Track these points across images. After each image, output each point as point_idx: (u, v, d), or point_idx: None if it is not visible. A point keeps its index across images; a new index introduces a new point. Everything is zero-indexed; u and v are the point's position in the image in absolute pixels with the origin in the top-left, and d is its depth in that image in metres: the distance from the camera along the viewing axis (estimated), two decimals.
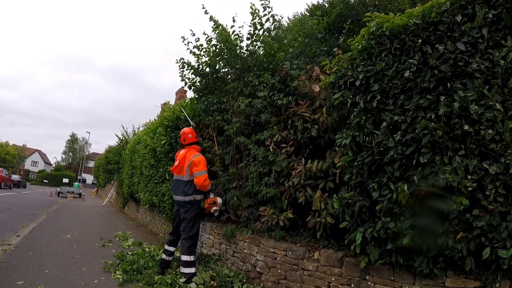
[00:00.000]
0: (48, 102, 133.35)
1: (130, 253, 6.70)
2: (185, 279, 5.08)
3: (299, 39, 5.95)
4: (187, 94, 22.65)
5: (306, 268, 4.51)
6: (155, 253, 6.86)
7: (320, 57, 5.79)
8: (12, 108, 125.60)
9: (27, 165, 79.92)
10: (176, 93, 24.80)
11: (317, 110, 4.66)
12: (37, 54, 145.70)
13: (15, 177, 40.03)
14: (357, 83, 4.02)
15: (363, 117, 3.89)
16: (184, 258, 5.23)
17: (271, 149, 5.02)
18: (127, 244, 8.08)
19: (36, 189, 43.85)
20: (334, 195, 4.13)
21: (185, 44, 6.92)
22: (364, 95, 3.96)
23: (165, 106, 23.52)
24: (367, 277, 3.89)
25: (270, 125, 5.29)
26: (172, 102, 23.88)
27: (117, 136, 23.67)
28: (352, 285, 4.01)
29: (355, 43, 4.21)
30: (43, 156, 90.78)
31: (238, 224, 6.13)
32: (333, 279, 4.19)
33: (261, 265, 5.24)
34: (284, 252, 4.87)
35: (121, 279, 5.28)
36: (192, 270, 5.21)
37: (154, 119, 15.76)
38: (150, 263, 6.07)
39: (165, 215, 9.36)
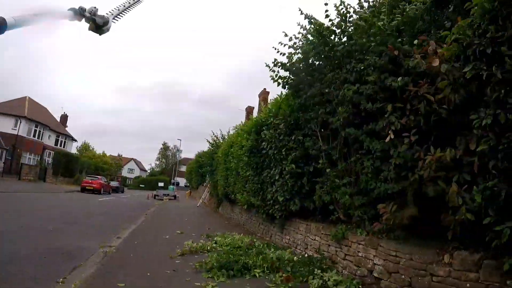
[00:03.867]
0: (148, 124, 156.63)
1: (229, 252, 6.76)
2: None
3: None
4: (270, 94, 23.49)
5: (436, 274, 4.06)
6: (264, 251, 7.10)
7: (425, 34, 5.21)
8: (115, 131, 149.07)
9: (124, 172, 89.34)
10: (259, 96, 25.55)
11: (440, 89, 4.15)
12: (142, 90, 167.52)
13: (114, 183, 44.54)
14: (489, 51, 3.61)
15: (503, 91, 3.45)
16: None
17: (389, 139, 4.60)
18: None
19: (134, 193, 47.96)
20: (474, 187, 3.61)
21: (276, 49, 7.28)
22: (500, 64, 3.51)
23: (249, 109, 26.57)
24: (508, 282, 3.40)
25: (386, 113, 4.84)
26: (256, 105, 25.63)
27: (208, 141, 25.50)
28: None
29: (474, 6, 3.76)
30: (138, 163, 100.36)
31: (348, 225, 5.81)
32: (468, 285, 3.73)
33: (379, 270, 4.86)
34: (408, 255, 4.45)
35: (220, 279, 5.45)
36: None
37: (242, 122, 16.31)
38: (258, 261, 6.19)
39: (264, 215, 9.37)
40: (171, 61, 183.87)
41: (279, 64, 7.43)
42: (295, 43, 7.05)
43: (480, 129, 3.65)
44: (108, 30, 2.95)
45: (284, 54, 7.26)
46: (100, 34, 2.93)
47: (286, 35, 7.13)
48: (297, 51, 7.07)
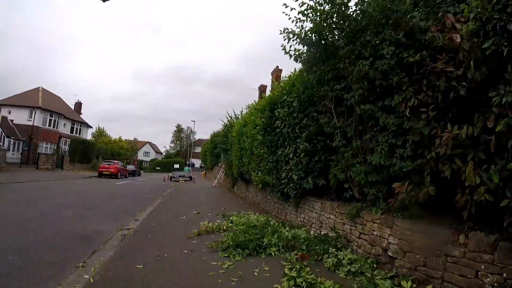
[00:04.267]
0: (162, 107, 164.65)
1: (246, 234, 6.81)
2: None
3: None
4: (282, 72, 23.72)
5: (451, 254, 4.01)
6: (280, 230, 7.19)
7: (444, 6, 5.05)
8: (130, 116, 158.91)
9: (140, 155, 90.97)
10: (272, 74, 25.61)
11: (460, 65, 4.04)
12: (155, 74, 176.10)
13: (130, 167, 46.08)
14: (510, 27, 3.47)
15: None
16: None
17: (406, 115, 4.52)
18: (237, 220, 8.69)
19: (150, 175, 48.80)
20: (492, 166, 3.53)
21: (286, 14, 6.71)
22: None
23: (262, 87, 26.98)
24: None
25: (402, 88, 4.73)
26: (269, 84, 25.67)
27: (222, 121, 26.45)
28: (505, 275, 3.47)
29: None
30: (153, 146, 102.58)
31: (362, 203, 5.80)
32: (482, 267, 3.68)
33: (394, 249, 4.86)
34: (423, 235, 4.43)
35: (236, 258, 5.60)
36: None
37: (255, 101, 16.29)
38: (273, 239, 6.30)
39: (279, 194, 9.44)
40: (183, 43, 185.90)
41: (291, 34, 6.80)
42: (306, 8, 6.48)
43: (499, 107, 3.53)
44: None
45: (297, 22, 6.69)
46: (104, 1, 2.78)
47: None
48: (307, 18, 6.54)
